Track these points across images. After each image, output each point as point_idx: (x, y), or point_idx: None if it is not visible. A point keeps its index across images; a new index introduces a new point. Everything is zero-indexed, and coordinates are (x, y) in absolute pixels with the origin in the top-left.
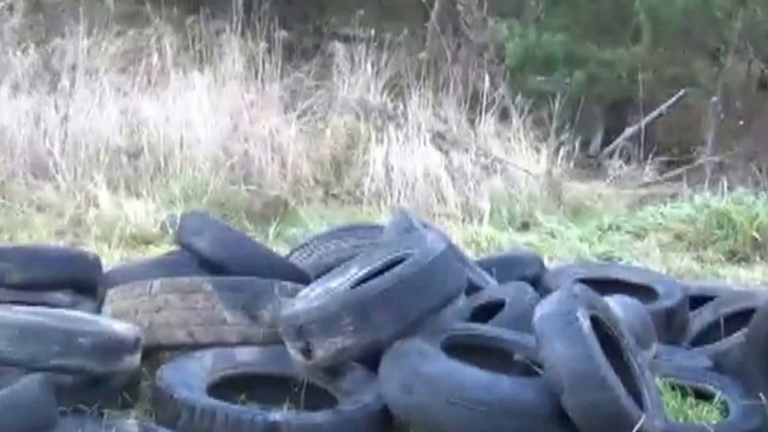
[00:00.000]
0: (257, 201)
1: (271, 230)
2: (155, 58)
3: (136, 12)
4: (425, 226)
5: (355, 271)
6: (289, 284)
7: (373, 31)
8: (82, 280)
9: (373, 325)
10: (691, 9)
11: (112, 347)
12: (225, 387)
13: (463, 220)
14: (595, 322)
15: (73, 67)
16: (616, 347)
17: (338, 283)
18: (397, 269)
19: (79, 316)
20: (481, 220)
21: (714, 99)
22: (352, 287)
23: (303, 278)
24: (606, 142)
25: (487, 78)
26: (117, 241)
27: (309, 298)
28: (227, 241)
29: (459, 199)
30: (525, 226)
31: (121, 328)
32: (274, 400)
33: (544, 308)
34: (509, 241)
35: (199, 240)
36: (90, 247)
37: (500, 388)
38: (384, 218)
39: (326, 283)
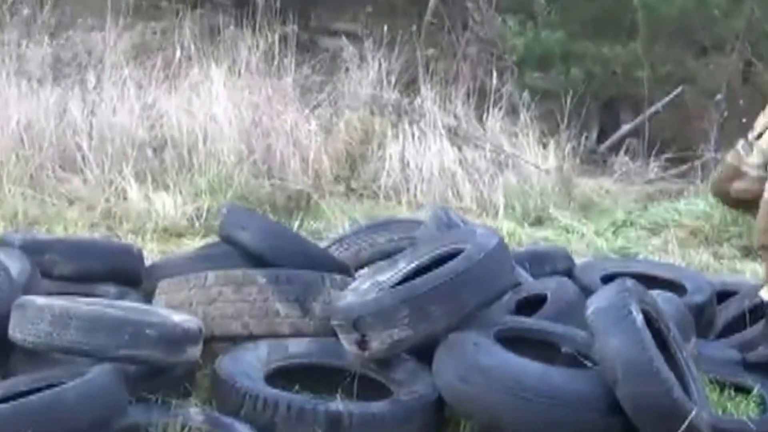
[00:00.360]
0: (280, 195)
1: (295, 224)
2: (177, 51)
3: (146, 5)
4: (463, 221)
5: (403, 266)
6: (338, 277)
7: (364, 27)
8: (127, 273)
9: (429, 318)
10: (688, 7)
11: (177, 338)
12: (279, 377)
13: (479, 215)
14: (645, 316)
15: (100, 61)
16: (663, 341)
17: (387, 277)
18: (452, 264)
19: (144, 307)
20: (496, 215)
21: (718, 97)
22: (401, 281)
23: (344, 271)
24: (601, 138)
25: (494, 74)
26: (150, 233)
27: (360, 291)
28: (272, 234)
29: (474, 194)
30: (539, 221)
31: (184, 319)
32: (326, 391)
33: (598, 302)
34: (527, 236)
35: (243, 233)
36: (123, 240)
37: (555, 379)
38: (403, 212)
39: (375, 277)
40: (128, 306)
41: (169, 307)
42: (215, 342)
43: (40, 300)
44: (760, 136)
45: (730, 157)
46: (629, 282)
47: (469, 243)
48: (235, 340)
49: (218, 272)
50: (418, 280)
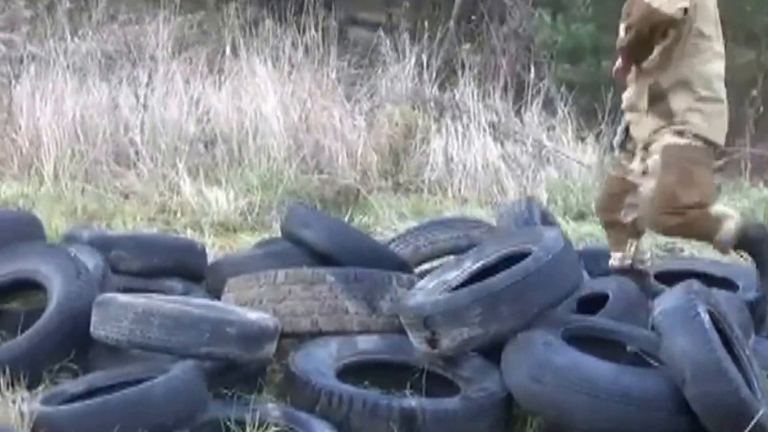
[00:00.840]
0: (329, 189)
1: (345, 219)
2: (221, 45)
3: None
4: (545, 215)
5: (470, 265)
6: (405, 276)
7: (402, 21)
8: (191, 269)
9: (499, 317)
10: (719, 1)
11: (255, 336)
12: (348, 373)
13: None
14: (710, 316)
15: (151, 56)
16: (727, 340)
17: (453, 276)
18: (522, 264)
19: (222, 306)
20: None
21: (753, 93)
22: (467, 281)
23: (404, 268)
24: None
25: (532, 68)
26: (206, 228)
27: (428, 290)
28: (336, 232)
29: (517, 189)
30: (581, 216)
31: (261, 317)
32: (394, 387)
33: (665, 303)
34: (571, 231)
35: (307, 231)
36: (181, 235)
37: (626, 379)
38: (449, 207)
39: (441, 276)
40: (207, 304)
41: (239, 304)
42: (284, 338)
43: (123, 298)
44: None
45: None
46: (696, 283)
47: (537, 244)
48: (303, 337)
49: (288, 270)
50: (489, 280)
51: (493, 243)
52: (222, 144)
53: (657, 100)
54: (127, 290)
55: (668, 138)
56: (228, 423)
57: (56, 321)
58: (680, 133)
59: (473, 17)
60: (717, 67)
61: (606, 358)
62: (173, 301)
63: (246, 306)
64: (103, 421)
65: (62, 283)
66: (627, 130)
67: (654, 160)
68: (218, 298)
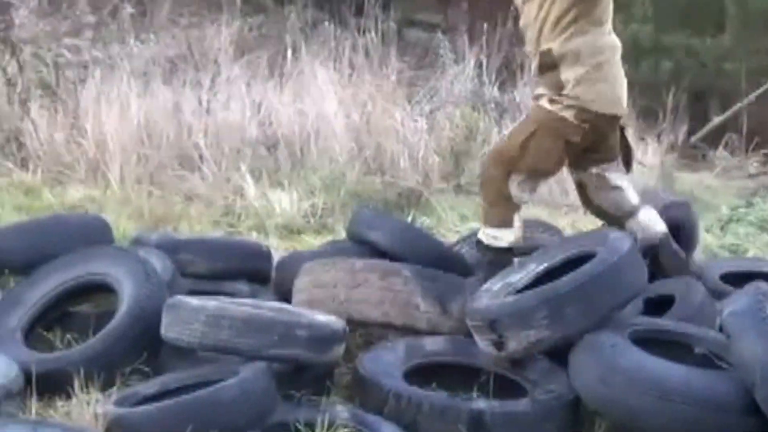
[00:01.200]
0: (392, 191)
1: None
2: (282, 48)
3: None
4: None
5: (534, 267)
6: (476, 281)
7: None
8: (257, 271)
9: (566, 319)
10: None
11: (324, 338)
12: (416, 375)
13: (586, 211)
14: None
15: (215, 60)
16: None
17: (518, 278)
18: (588, 266)
19: (291, 309)
20: None
21: None
22: (532, 283)
23: (468, 271)
24: (692, 132)
25: None
26: (270, 231)
27: (494, 292)
28: (403, 234)
29: None
30: None
31: (329, 320)
32: (460, 389)
33: (734, 306)
34: None
35: (374, 233)
36: (246, 237)
37: (696, 381)
38: None
39: (506, 278)
40: (277, 306)
41: (315, 287)
42: (353, 327)
43: (194, 301)
44: None
45: None
46: (764, 285)
47: (603, 246)
48: (370, 327)
49: (366, 260)
50: (555, 282)
51: (558, 245)
52: (284, 147)
53: (548, 69)
54: (193, 293)
55: (543, 102)
56: (297, 425)
57: (128, 323)
58: (553, 102)
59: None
60: (612, 40)
61: (673, 360)
62: (243, 304)
63: (321, 288)
64: (176, 423)
65: (133, 286)
66: None
67: (526, 115)
68: (284, 298)
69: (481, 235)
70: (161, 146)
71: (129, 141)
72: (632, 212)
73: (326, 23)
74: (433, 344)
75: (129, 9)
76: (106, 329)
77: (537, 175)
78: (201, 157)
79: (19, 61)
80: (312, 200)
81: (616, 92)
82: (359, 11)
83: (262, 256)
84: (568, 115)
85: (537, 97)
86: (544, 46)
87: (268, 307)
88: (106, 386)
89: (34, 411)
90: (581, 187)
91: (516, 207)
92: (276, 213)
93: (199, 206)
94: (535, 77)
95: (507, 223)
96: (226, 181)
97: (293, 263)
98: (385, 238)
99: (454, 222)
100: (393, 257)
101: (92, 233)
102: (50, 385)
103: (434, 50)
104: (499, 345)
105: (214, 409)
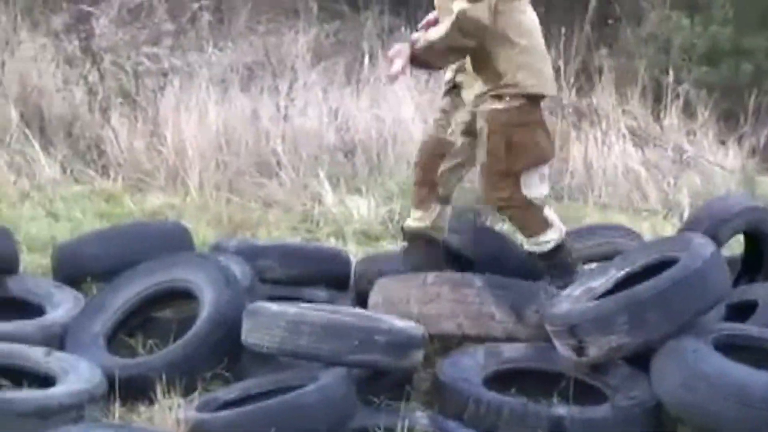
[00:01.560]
0: (469, 196)
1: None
2: (359, 54)
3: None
4: None
5: (614, 272)
6: (552, 287)
7: None
8: (335, 276)
9: (648, 325)
10: None
11: (404, 344)
12: (495, 381)
13: (665, 217)
14: None
15: (292, 66)
16: None
17: (599, 283)
18: (670, 272)
19: (370, 314)
20: (681, 217)
21: None
22: (613, 288)
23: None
24: None
25: (671, 71)
26: (348, 236)
27: (574, 297)
28: (481, 237)
29: (659, 195)
30: None
31: (408, 326)
32: (540, 395)
33: None
34: None
35: (452, 237)
36: (325, 243)
37: None
38: (589, 214)
39: (587, 283)
40: (355, 312)
41: (387, 303)
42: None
43: (274, 307)
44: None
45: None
46: None
47: (685, 251)
48: (447, 340)
49: (438, 273)
50: (637, 287)
51: (638, 250)
52: (361, 152)
53: (482, 61)
54: (273, 299)
55: (489, 104)
56: (377, 430)
57: (209, 329)
58: (498, 98)
59: (609, 21)
60: (534, 16)
61: (757, 367)
62: (323, 310)
63: (394, 305)
64: (256, 428)
65: (213, 292)
66: (450, 90)
67: (481, 128)
68: (363, 303)
69: (528, 247)
70: (239, 153)
71: (207, 148)
72: None
73: (402, 29)
74: (512, 350)
75: (207, 17)
76: (187, 335)
77: (538, 165)
78: (279, 163)
79: (99, 69)
80: (389, 206)
81: (551, 72)
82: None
83: (341, 262)
84: (519, 103)
85: (480, 100)
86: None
87: (348, 312)
88: (187, 391)
89: (117, 416)
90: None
91: (541, 206)
92: (354, 219)
93: (278, 212)
94: (466, 74)
95: (543, 225)
96: (304, 187)
97: (373, 266)
98: (464, 242)
99: None
100: (471, 261)
101: (173, 240)
102: (133, 390)
103: None
104: (580, 350)
105: (294, 414)
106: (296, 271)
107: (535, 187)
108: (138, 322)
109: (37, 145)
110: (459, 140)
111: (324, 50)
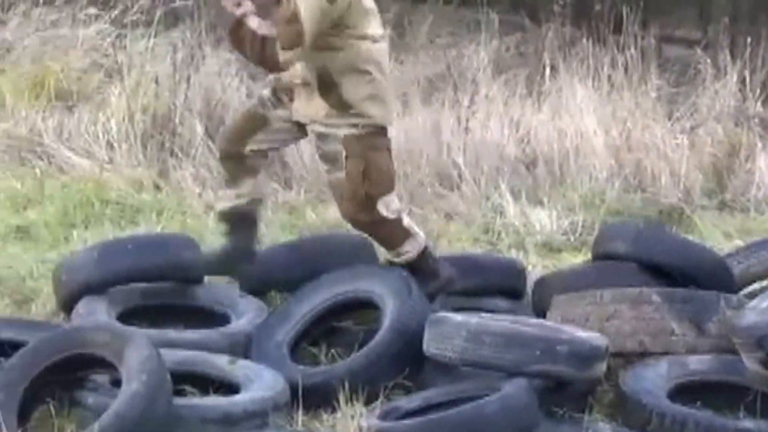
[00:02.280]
0: (652, 209)
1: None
2: (540, 66)
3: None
4: None
5: None
6: (734, 297)
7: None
8: (512, 287)
9: None
10: None
11: (586, 355)
12: (679, 394)
13: None
14: None
15: (472, 80)
16: None
17: None
18: None
19: (552, 324)
20: None
21: None
22: None
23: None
24: None
25: None
26: (530, 248)
27: (760, 309)
28: (680, 248)
29: None
30: None
31: (591, 336)
32: (726, 408)
33: None
34: None
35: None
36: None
37: None
38: None
39: None
40: (536, 322)
41: (564, 322)
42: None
43: (456, 317)
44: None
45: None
46: None
47: None
48: (629, 357)
49: (614, 290)
50: None
51: None
52: (543, 164)
53: (328, 87)
54: (454, 309)
55: (345, 130)
56: None
57: (391, 339)
58: (355, 126)
59: None
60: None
61: None
62: (503, 320)
63: (572, 323)
64: None
65: (395, 303)
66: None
67: (336, 148)
68: (542, 315)
69: (389, 258)
70: (420, 165)
71: None
72: None
73: (584, 40)
74: (697, 362)
75: (389, 30)
76: (369, 345)
77: (392, 190)
78: (460, 175)
79: None
80: (572, 218)
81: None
82: (617, 29)
83: (516, 272)
84: (372, 130)
85: (327, 117)
86: (321, 63)
87: (528, 322)
88: (369, 400)
89: (300, 423)
90: None
91: (399, 219)
92: (535, 230)
93: (459, 224)
94: (308, 87)
95: (402, 237)
96: (485, 199)
97: (552, 281)
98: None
99: (718, 239)
100: (665, 272)
101: (355, 251)
102: (315, 398)
103: (694, 66)
104: (767, 363)
105: (477, 424)
106: (472, 281)
107: (392, 204)
108: (321, 332)
109: None
110: (277, 124)
111: (505, 62)
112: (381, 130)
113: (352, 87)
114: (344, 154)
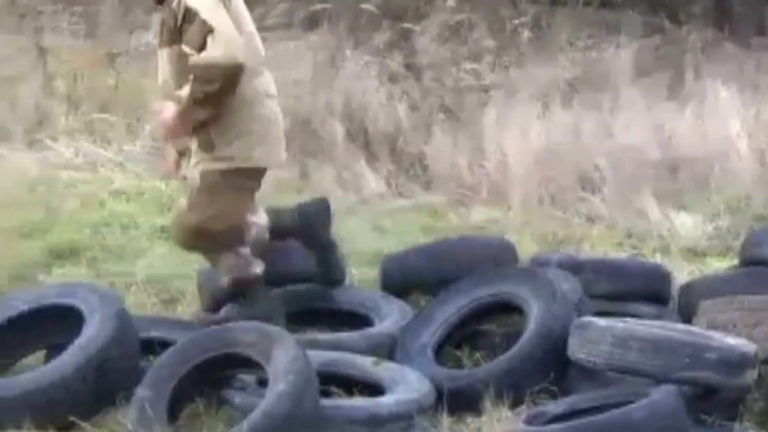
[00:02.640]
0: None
1: None
2: (683, 69)
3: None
4: None
5: None
6: None
7: None
8: (657, 292)
9: None
10: None
11: (736, 362)
12: None
13: None
14: None
15: (612, 83)
16: None
17: None
18: None
19: (699, 330)
20: None
21: None
22: None
23: None
24: None
25: None
26: (675, 253)
27: None
28: None
29: None
30: None
31: (740, 343)
32: None
33: None
34: None
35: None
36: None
37: None
38: None
39: None
40: (684, 328)
41: (710, 328)
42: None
43: (602, 321)
44: None
45: None
46: None
47: None
48: None
49: (762, 296)
50: None
51: None
52: (687, 168)
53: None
54: (598, 314)
55: (207, 164)
56: None
57: (536, 343)
58: (218, 160)
59: None
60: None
61: None
62: (650, 325)
63: (718, 329)
64: None
65: (540, 306)
66: None
67: (194, 179)
68: (688, 321)
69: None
70: (562, 168)
71: (529, 163)
72: None
73: (725, 42)
74: None
75: (527, 33)
76: (514, 348)
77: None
78: (602, 178)
79: (421, 86)
80: (716, 222)
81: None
82: (760, 30)
83: (661, 277)
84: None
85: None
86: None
87: (676, 328)
88: (515, 404)
89: (445, 426)
90: None
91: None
92: (680, 235)
93: (601, 228)
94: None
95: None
96: (628, 203)
97: (698, 287)
98: None
99: None
100: None
101: (497, 254)
102: (460, 401)
103: None
104: None
105: (625, 430)
106: (616, 285)
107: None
108: (464, 335)
109: (362, 160)
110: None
111: (646, 65)
112: (247, 173)
113: (221, 129)
114: (198, 185)
